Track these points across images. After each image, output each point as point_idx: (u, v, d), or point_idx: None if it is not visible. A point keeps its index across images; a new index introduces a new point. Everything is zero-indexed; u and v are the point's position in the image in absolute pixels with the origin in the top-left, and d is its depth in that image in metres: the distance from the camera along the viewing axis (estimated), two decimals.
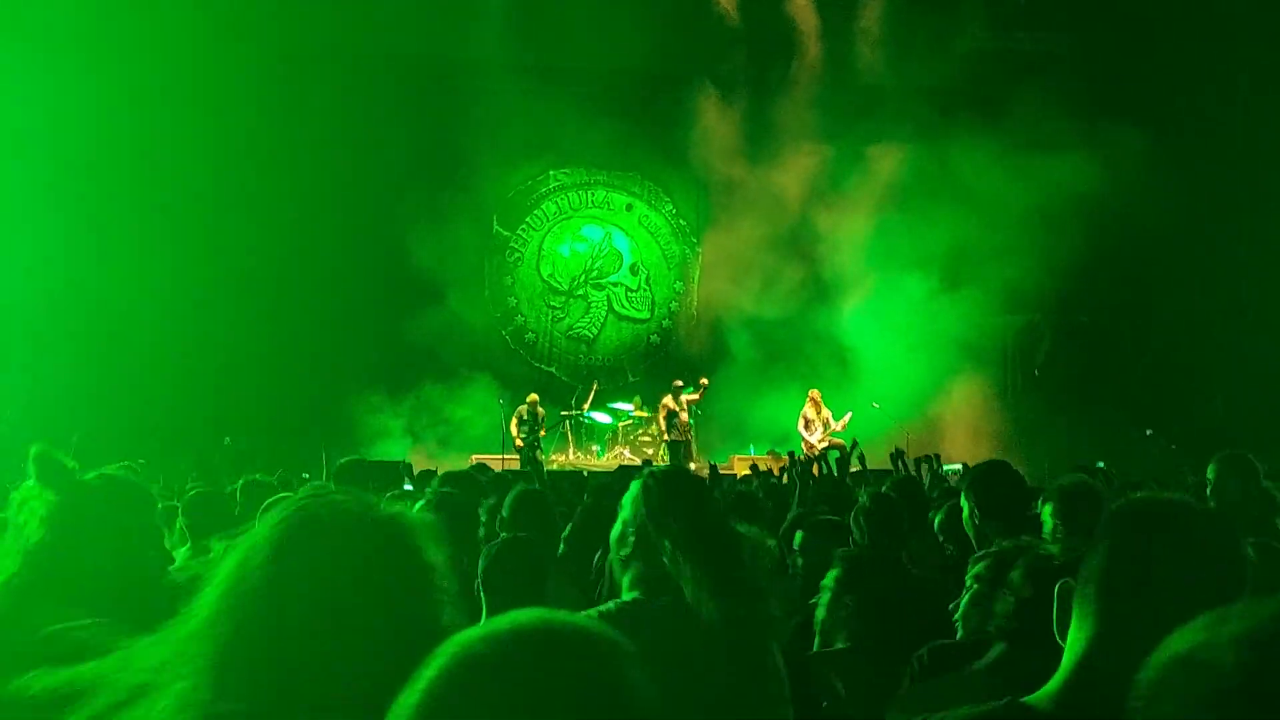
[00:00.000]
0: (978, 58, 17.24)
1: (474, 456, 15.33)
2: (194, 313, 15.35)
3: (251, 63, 15.66)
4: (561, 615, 1.10)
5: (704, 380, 16.22)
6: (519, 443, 15.75)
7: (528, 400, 16.16)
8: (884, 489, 5.05)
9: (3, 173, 14.40)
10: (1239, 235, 16.86)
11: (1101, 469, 8.13)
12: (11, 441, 12.16)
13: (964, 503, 4.15)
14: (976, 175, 16.28)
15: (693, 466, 13.89)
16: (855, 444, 9.37)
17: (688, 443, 15.80)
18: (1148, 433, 15.75)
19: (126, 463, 6.37)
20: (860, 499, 4.65)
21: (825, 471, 7.65)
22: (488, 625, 1.08)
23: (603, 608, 2.63)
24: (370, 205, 16.70)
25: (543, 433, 15.99)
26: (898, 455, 7.87)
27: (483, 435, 16.53)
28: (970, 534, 4.08)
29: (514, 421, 16.01)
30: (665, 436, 15.98)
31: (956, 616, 3.00)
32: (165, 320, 15.16)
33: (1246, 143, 16.29)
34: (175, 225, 15.20)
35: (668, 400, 15.85)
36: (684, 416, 15.78)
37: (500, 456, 14.91)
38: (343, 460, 6.42)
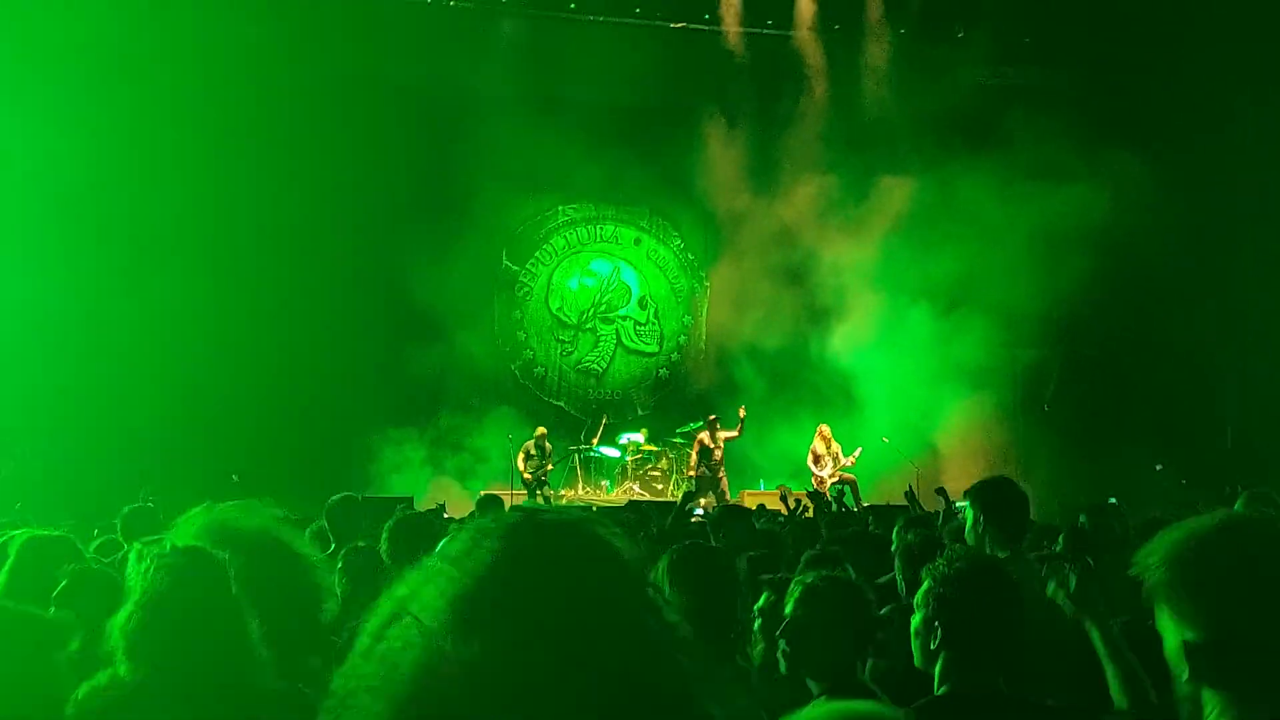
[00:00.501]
0: (982, 92, 17.35)
1: (482, 492, 15.34)
2: (201, 347, 15.38)
3: (259, 98, 15.77)
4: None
5: (741, 411, 16.11)
6: (526, 476, 15.76)
7: (535, 434, 16.18)
8: (900, 527, 5.11)
9: (12, 206, 14.50)
10: (1245, 266, 16.89)
11: (1114, 504, 8.10)
12: (12, 482, 12.27)
13: (969, 512, 4.30)
14: (982, 207, 16.34)
15: (704, 504, 13.84)
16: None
17: (719, 480, 15.66)
18: (1158, 467, 15.72)
19: (139, 503, 6.41)
20: (907, 539, 4.74)
21: (839, 509, 7.66)
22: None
23: None
24: (378, 239, 16.80)
25: (549, 467, 16.00)
26: (911, 495, 7.90)
27: (502, 467, 16.49)
28: (970, 542, 4.22)
29: (520, 456, 16.02)
30: (691, 472, 15.84)
31: None
32: (172, 354, 15.22)
33: (1253, 173, 16.36)
34: (185, 262, 15.24)
35: (704, 436, 15.76)
36: (719, 454, 15.68)
37: (511, 491, 14.91)
38: (333, 499, 6.33)
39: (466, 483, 16.31)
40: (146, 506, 6.32)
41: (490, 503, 7.04)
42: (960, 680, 2.68)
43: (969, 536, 4.25)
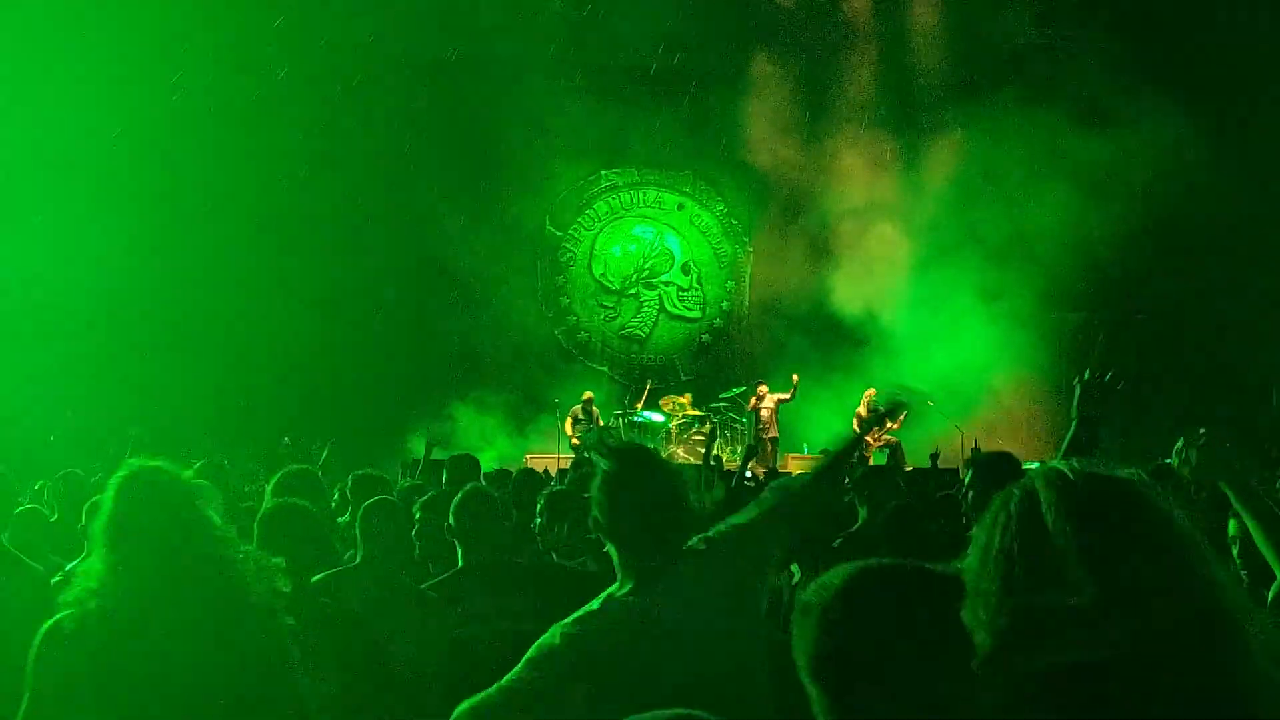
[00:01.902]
0: (1029, 50, 17.14)
1: (528, 456, 15.50)
2: (254, 313, 15.58)
3: (299, 67, 15.86)
4: None
5: (795, 378, 16.28)
6: (575, 441, 15.85)
7: (583, 398, 16.29)
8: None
9: (61, 175, 14.70)
10: None
11: (1169, 464, 8.04)
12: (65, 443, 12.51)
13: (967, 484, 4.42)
14: (1030, 169, 16.19)
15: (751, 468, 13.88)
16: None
17: (767, 444, 15.90)
18: (1201, 431, 15.55)
19: (204, 461, 6.57)
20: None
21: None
22: None
23: None
24: (421, 207, 16.89)
25: (599, 424, 16.10)
26: (935, 457, 7.96)
27: (548, 431, 16.62)
28: (965, 510, 4.35)
29: (569, 421, 16.13)
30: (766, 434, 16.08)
31: None
32: (227, 319, 15.44)
33: None
34: (244, 228, 15.48)
35: (754, 400, 16.10)
36: (765, 416, 15.96)
37: (556, 455, 15.02)
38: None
39: (514, 447, 16.41)
40: (217, 463, 6.49)
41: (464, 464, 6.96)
42: None
43: (965, 506, 4.36)
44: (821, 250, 17.87)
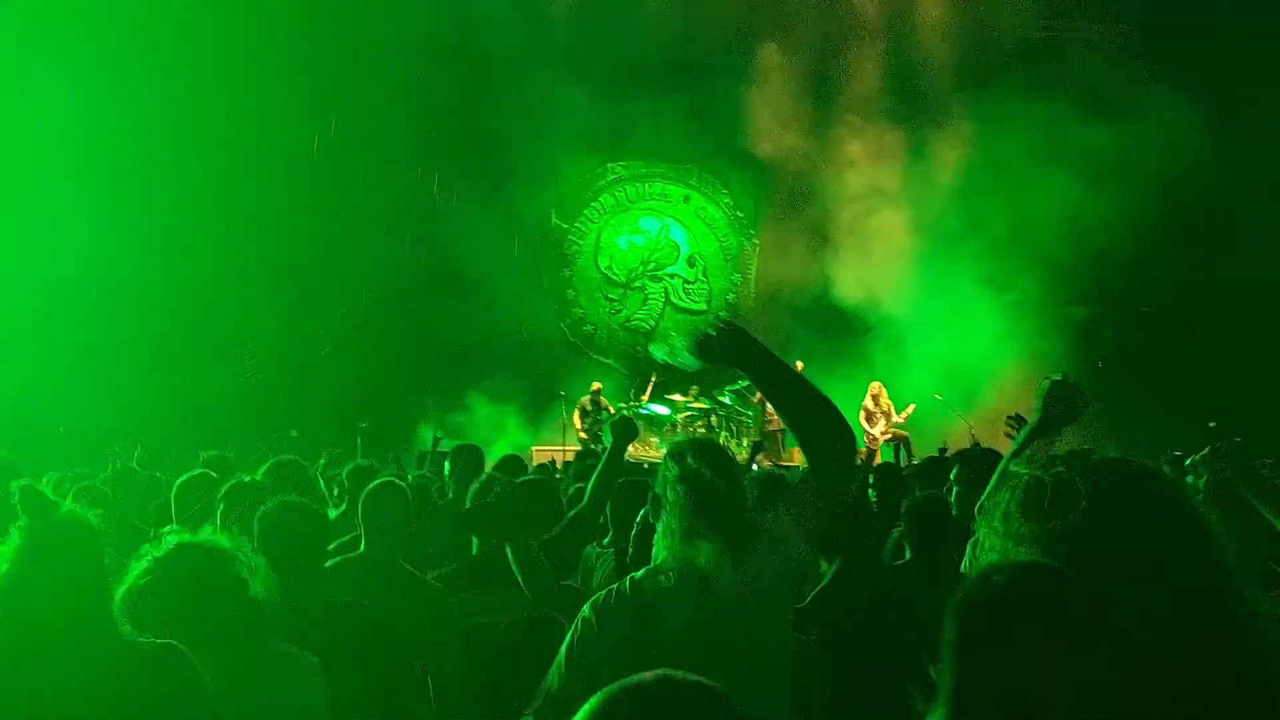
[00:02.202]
0: (1034, 43, 17.10)
1: (535, 448, 15.51)
2: (262, 307, 15.62)
3: (310, 57, 15.83)
4: None
5: (799, 365, 16.20)
6: (582, 435, 15.87)
7: (591, 390, 16.30)
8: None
9: (63, 166, 14.70)
10: None
11: (1180, 456, 8.03)
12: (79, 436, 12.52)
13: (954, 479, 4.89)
14: (1036, 161, 16.14)
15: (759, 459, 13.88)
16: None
17: (775, 436, 15.84)
18: (1211, 425, 15.52)
19: (215, 453, 6.57)
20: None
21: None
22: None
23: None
24: (429, 199, 16.87)
25: (610, 410, 16.11)
26: (943, 451, 7.97)
27: (553, 423, 16.63)
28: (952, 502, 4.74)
29: (576, 413, 16.14)
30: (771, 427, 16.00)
31: None
32: (236, 313, 15.46)
33: None
34: (253, 222, 15.50)
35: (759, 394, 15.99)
36: (770, 407, 15.90)
37: (561, 447, 15.01)
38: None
39: (524, 438, 16.42)
40: (223, 455, 6.50)
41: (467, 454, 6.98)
42: None
43: (952, 500, 4.74)
44: (827, 242, 17.86)
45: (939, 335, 16.75)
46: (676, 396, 17.52)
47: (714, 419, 17.22)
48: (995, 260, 16.67)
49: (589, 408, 16.10)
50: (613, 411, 16.40)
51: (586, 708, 1.38)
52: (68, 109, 14.53)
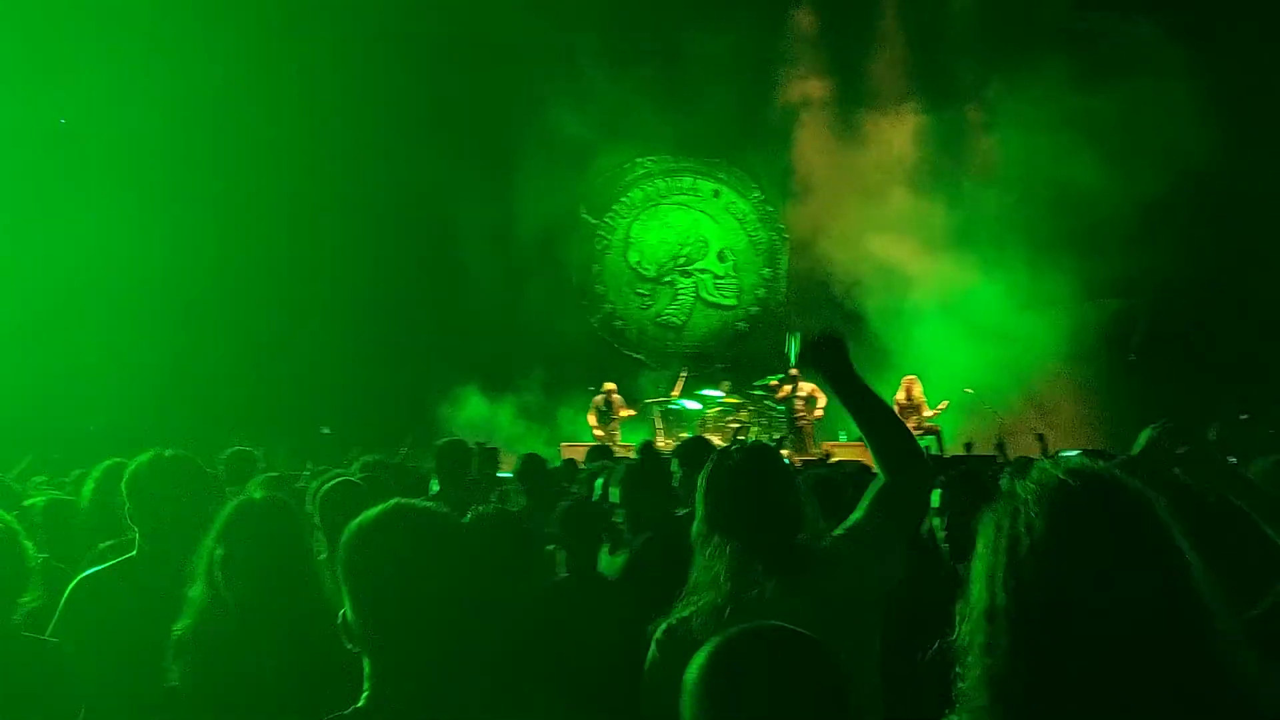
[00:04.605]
0: (1067, 35, 16.92)
1: (564, 445, 15.50)
2: (289, 303, 15.68)
3: (334, 58, 15.87)
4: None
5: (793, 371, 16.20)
6: (598, 433, 15.87)
7: (604, 389, 16.29)
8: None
9: (83, 163, 14.83)
10: None
11: (1214, 440, 7.98)
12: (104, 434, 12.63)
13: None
14: (1069, 154, 15.98)
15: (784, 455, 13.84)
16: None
17: (801, 431, 15.74)
18: (1243, 417, 15.34)
19: (244, 447, 6.59)
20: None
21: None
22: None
23: None
24: (460, 193, 16.83)
25: (622, 414, 16.08)
26: (1001, 446, 7.89)
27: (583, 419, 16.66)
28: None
29: (592, 413, 16.15)
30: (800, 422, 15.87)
31: None
32: (263, 310, 15.53)
33: None
34: (280, 218, 15.57)
35: (786, 389, 15.98)
36: (799, 405, 15.84)
37: (589, 444, 14.99)
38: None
39: (547, 435, 16.43)
40: (247, 451, 6.51)
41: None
42: None
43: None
44: (859, 237, 17.73)
45: (971, 329, 16.62)
46: (708, 391, 17.49)
47: (745, 413, 17.16)
48: (1029, 253, 16.51)
49: (603, 407, 16.10)
50: (626, 411, 16.37)
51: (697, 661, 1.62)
52: (81, 109, 14.64)
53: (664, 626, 2.68)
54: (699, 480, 2.85)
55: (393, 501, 2.01)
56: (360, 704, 1.91)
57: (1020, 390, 16.42)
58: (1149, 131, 15.36)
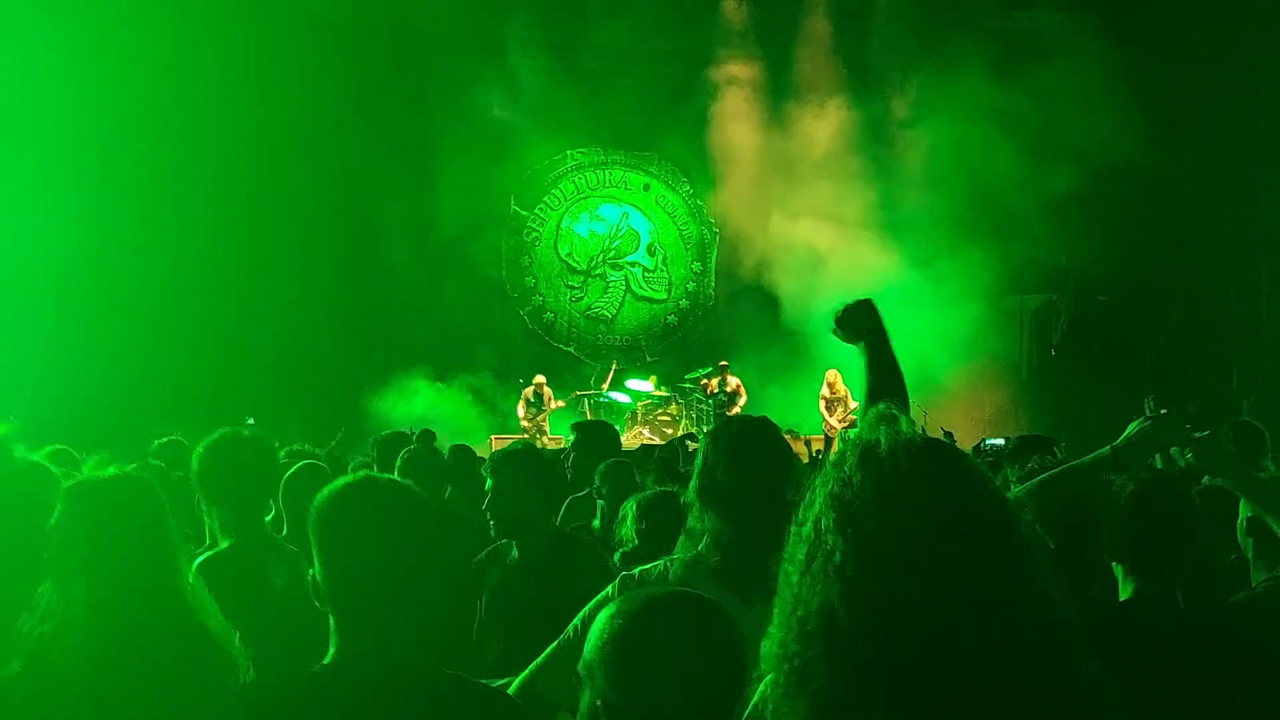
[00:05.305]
0: (990, 33, 17.22)
1: (494, 437, 15.50)
2: (216, 291, 15.44)
3: (263, 44, 15.62)
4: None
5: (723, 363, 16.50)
6: (525, 424, 15.91)
7: (534, 382, 16.32)
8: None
9: (14, 157, 14.49)
10: (1256, 214, 16.85)
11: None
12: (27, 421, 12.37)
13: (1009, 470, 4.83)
14: (992, 149, 16.26)
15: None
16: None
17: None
18: (1162, 411, 15.74)
19: (173, 437, 6.52)
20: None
21: None
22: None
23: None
24: (387, 184, 16.68)
25: (549, 410, 16.14)
26: (950, 436, 8.07)
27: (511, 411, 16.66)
28: None
29: (521, 404, 16.18)
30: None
31: None
32: (190, 298, 15.29)
33: (1271, 130, 16.26)
34: (208, 206, 15.32)
35: (713, 382, 16.19)
36: (726, 398, 16.10)
37: (520, 436, 15.01)
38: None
39: (484, 427, 16.40)
40: (177, 440, 6.44)
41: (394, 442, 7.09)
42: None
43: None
44: (787, 231, 17.90)
45: (895, 321, 16.79)
46: (638, 384, 17.60)
47: (674, 407, 17.30)
48: (952, 248, 16.80)
49: (531, 399, 16.14)
50: (556, 403, 16.45)
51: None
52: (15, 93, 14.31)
53: (637, 572, 2.80)
54: (702, 445, 2.96)
55: (361, 473, 2.18)
56: (327, 660, 2.05)
57: (943, 384, 16.71)
58: (1069, 127, 15.72)
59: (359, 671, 2.01)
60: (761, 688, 1.56)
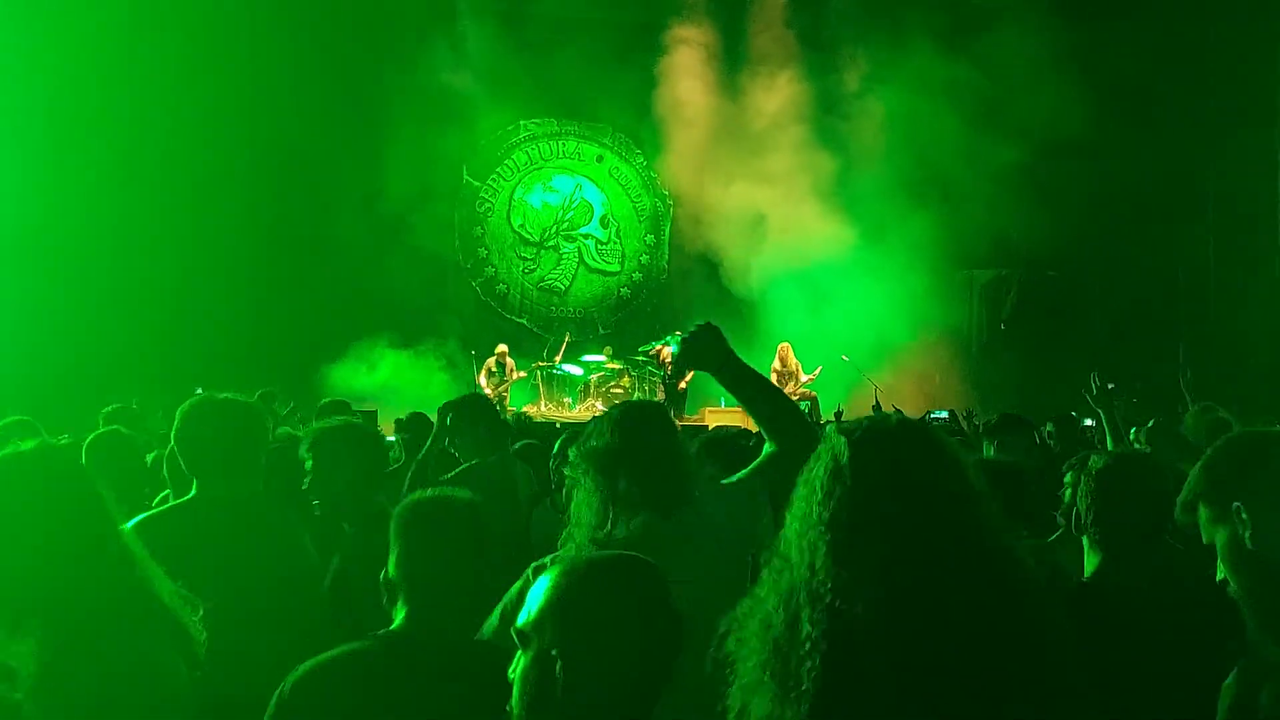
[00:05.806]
0: (951, 6, 17.23)
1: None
2: (171, 256, 15.20)
3: (216, 8, 15.40)
4: None
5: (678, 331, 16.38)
6: (488, 393, 15.81)
7: (496, 351, 16.27)
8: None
9: None
10: (1206, 193, 17.03)
11: (1073, 417, 8.39)
12: None
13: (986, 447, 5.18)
14: (947, 123, 16.31)
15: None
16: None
17: (681, 396, 16.03)
18: (1110, 386, 15.92)
19: (118, 405, 6.42)
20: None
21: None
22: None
23: None
24: (338, 154, 16.48)
25: (511, 380, 16.10)
26: (878, 406, 8.14)
27: (466, 382, 16.56)
28: None
29: (483, 373, 16.10)
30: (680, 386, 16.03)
31: None
32: (144, 262, 15.04)
33: (1221, 108, 16.40)
34: (142, 179, 15.05)
35: (666, 353, 16.17)
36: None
37: None
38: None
39: (435, 397, 16.27)
40: (129, 407, 6.35)
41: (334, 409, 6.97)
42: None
43: None
44: (741, 205, 17.89)
45: (846, 297, 16.94)
46: (590, 357, 17.57)
47: (627, 379, 17.28)
48: (903, 223, 16.85)
49: (494, 369, 16.08)
50: (517, 374, 16.41)
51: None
52: None
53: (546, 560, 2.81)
54: (589, 426, 3.03)
55: (434, 490, 2.73)
56: (394, 627, 2.56)
57: (893, 355, 16.82)
58: (1019, 101, 15.77)
59: (427, 640, 2.52)
60: (728, 645, 1.72)
